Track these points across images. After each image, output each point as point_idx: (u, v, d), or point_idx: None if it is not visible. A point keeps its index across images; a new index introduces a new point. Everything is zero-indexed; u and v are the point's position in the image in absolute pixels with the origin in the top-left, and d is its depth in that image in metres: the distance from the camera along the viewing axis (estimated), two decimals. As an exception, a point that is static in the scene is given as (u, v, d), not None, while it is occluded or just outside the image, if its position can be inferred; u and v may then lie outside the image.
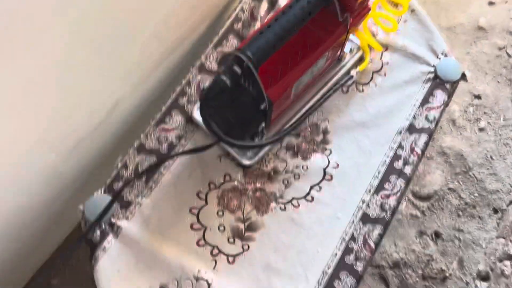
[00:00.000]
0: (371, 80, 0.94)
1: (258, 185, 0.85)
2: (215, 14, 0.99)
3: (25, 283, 1.09)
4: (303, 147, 0.88)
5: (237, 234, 0.82)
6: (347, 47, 0.93)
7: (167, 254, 0.79)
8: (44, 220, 0.94)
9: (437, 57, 0.94)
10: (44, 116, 0.73)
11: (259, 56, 0.69)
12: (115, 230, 0.81)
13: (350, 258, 0.80)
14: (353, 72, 0.91)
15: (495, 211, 1.35)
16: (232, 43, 0.95)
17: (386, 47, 0.96)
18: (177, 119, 0.89)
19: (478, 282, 1.27)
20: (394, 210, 0.83)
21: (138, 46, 0.86)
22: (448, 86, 0.92)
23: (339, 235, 0.82)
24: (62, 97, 0.74)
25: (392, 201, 0.83)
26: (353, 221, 0.82)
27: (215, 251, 0.80)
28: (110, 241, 0.80)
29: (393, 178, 0.85)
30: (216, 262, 0.79)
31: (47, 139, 0.78)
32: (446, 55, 0.94)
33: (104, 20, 0.72)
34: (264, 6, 0.98)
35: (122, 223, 0.81)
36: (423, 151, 0.88)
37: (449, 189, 1.37)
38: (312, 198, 0.85)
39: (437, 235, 1.33)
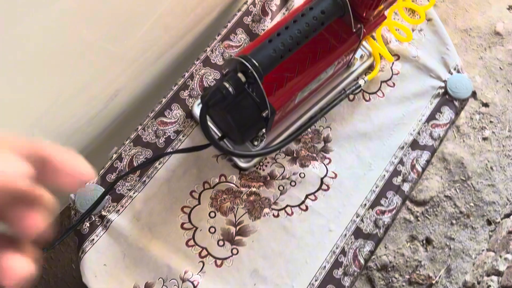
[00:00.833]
0: (379, 89, 0.91)
1: (253, 188, 0.84)
2: (224, 6, 0.96)
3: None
4: (302, 154, 0.87)
5: (227, 238, 0.81)
6: (358, 53, 0.90)
7: (155, 252, 0.78)
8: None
9: (449, 71, 0.92)
10: (45, 98, 0.71)
11: (265, 66, 0.67)
12: (105, 223, 0.80)
13: (339, 273, 0.79)
14: (361, 81, 0.88)
15: (489, 222, 1.34)
16: (240, 38, 0.92)
17: (397, 56, 0.93)
18: (177, 113, 0.87)
19: (463, 293, 1.28)
20: (388, 228, 0.82)
21: (142, 32, 0.83)
22: (457, 103, 0.90)
23: (329, 247, 0.81)
24: (63, 81, 0.72)
25: (386, 218, 0.82)
26: (345, 235, 0.82)
27: (204, 253, 0.80)
28: (99, 234, 0.79)
29: (390, 194, 0.84)
30: (203, 264, 0.79)
31: (43, 124, 0.76)
32: (458, 71, 0.91)
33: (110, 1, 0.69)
34: (277, 1, 0.94)
35: (112, 216, 0.80)
36: (423, 169, 0.86)
37: (446, 196, 1.36)
38: (307, 207, 0.84)
39: (428, 241, 1.33)
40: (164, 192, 0.83)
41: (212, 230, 0.81)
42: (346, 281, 0.79)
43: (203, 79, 0.89)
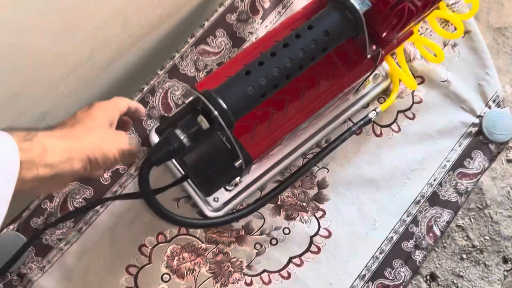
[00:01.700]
0: (394, 121, 0.71)
1: (221, 245, 0.65)
2: (201, -1, 0.73)
3: None
4: (289, 202, 0.67)
5: (183, 310, 0.63)
6: (371, 72, 0.69)
7: (87, 327, 0.61)
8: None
9: (487, 104, 0.71)
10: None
11: (237, 109, 0.47)
12: (25, 283, 0.61)
13: None
14: (372, 114, 0.68)
15: (505, 260, 1.16)
16: (219, 42, 0.71)
17: (421, 78, 0.72)
18: (130, 138, 0.67)
19: None
20: (391, 309, 0.64)
21: (91, 28, 0.62)
22: (492, 147, 0.70)
23: (314, 331, 0.63)
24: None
25: (390, 296, 0.64)
26: (336, 315, 0.64)
27: (151, 329, 0.62)
28: (15, 299, 0.61)
29: (397, 263, 0.65)
30: None
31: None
32: (499, 104, 0.71)
33: None
34: (271, -5, 0.72)
35: (35, 275, 0.62)
36: (442, 233, 0.67)
37: (457, 226, 1.18)
38: (289, 275, 0.65)
39: (432, 277, 1.15)
40: (106, 245, 0.64)
41: (165, 298, 0.63)
42: None
43: (168, 95, 0.69)
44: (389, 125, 0.71)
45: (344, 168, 0.69)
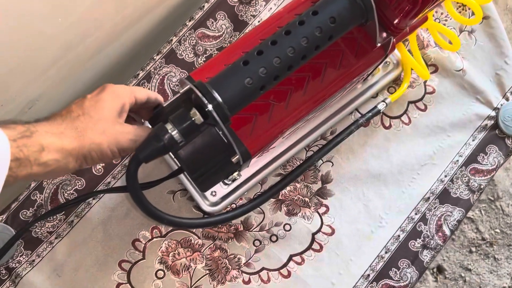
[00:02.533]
0: (404, 112, 0.67)
1: (218, 241, 0.62)
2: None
3: None
4: (290, 197, 0.64)
5: (178, 308, 0.60)
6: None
7: (78, 325, 0.58)
8: None
9: (504, 95, 0.66)
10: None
11: (234, 103, 0.43)
12: (13, 278, 0.59)
13: None
14: (381, 105, 0.63)
15: (515, 254, 1.13)
16: (220, 25, 0.66)
17: (435, 67, 0.68)
18: (124, 127, 0.63)
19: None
20: (395, 312, 0.61)
21: (82, 9, 0.58)
22: (509, 142, 0.65)
23: (314, 333, 0.60)
24: None
25: (395, 298, 0.61)
26: (337, 316, 0.61)
27: (144, 327, 0.59)
28: (3, 294, 0.59)
29: (403, 264, 0.62)
30: None
31: None
32: (517, 96, 0.66)
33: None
34: (276, -25, 0.68)
35: (24, 269, 0.59)
36: (452, 233, 0.63)
37: (467, 218, 1.14)
38: (289, 273, 0.62)
39: (439, 270, 1.13)
40: (98, 239, 0.61)
41: (158, 296, 0.60)
42: None
43: (165, 82, 0.65)
44: (399, 117, 0.66)
45: (350, 162, 0.65)
